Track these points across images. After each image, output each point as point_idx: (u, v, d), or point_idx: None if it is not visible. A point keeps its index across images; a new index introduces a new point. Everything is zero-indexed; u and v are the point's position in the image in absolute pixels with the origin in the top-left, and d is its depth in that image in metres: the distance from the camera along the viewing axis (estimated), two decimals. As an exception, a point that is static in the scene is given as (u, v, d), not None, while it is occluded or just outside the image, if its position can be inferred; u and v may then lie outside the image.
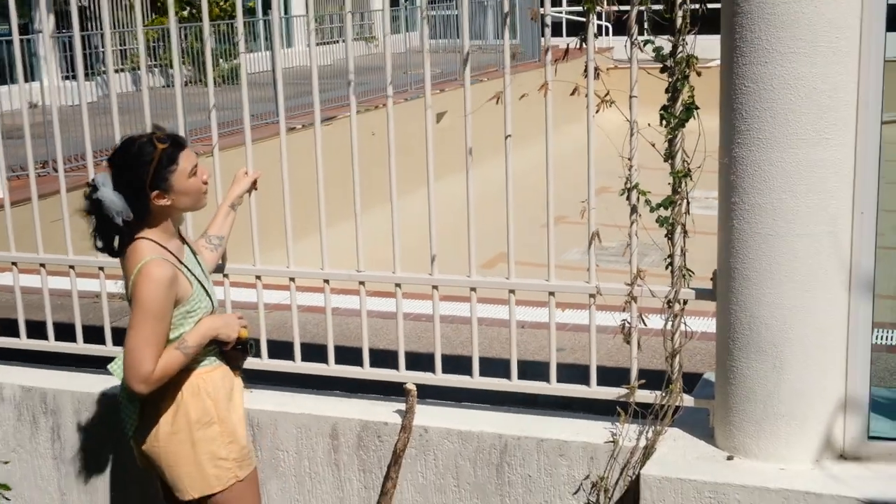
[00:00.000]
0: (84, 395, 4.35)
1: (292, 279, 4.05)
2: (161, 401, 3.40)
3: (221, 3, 16.23)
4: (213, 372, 3.47)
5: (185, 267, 3.41)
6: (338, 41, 14.56)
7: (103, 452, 4.40)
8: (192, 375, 3.42)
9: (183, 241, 3.54)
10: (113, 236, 3.40)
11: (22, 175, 4.49)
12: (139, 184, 3.30)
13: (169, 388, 3.39)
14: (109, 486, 4.38)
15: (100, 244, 3.42)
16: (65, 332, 4.43)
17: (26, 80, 7.23)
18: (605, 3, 3.49)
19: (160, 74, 12.94)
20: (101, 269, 4.27)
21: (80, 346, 4.38)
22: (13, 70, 4.43)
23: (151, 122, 3.57)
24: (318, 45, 4.31)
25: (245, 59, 4.25)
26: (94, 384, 4.39)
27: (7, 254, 4.49)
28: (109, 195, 3.32)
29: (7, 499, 3.58)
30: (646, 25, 3.55)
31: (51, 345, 4.38)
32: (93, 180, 3.38)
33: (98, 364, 4.32)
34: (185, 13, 14.37)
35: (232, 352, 3.48)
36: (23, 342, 4.49)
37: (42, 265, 4.41)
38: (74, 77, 8.91)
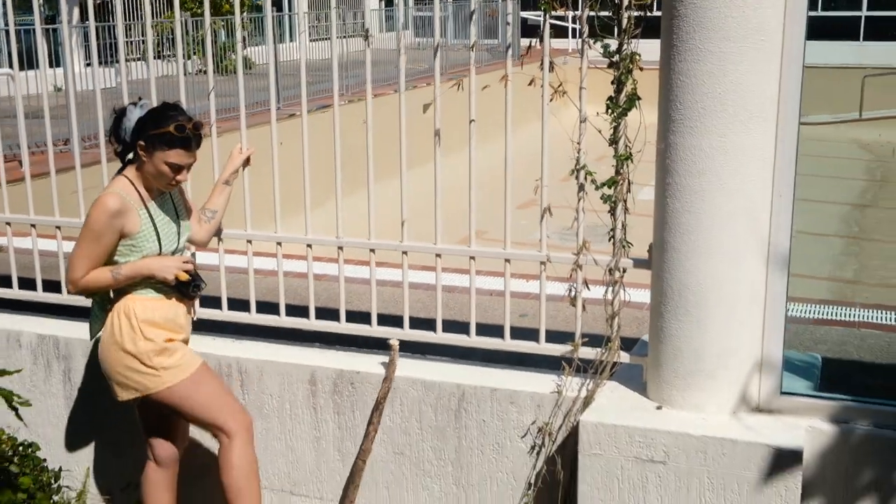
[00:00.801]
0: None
1: (279, 243, 4.16)
2: (111, 315, 3.68)
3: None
4: (149, 301, 3.69)
5: (147, 210, 3.62)
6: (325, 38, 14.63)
7: (109, 393, 4.47)
8: (128, 298, 3.68)
9: (166, 193, 3.74)
10: (117, 144, 3.70)
11: (45, 150, 4.60)
12: (143, 129, 3.58)
13: (115, 306, 3.67)
14: (116, 424, 4.43)
15: (110, 137, 3.75)
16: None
17: (52, 66, 7.36)
18: (559, 5, 3.60)
19: (173, 63, 13.02)
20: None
21: (89, 299, 4.47)
22: (38, 56, 4.54)
23: (204, 118, 3.85)
24: (316, 41, 4.40)
25: (241, 51, 4.36)
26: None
27: (27, 217, 4.60)
28: (134, 115, 3.65)
29: (17, 409, 3.67)
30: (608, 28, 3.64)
31: (63, 298, 4.45)
32: (140, 98, 3.73)
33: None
34: (199, 10, 14.39)
35: (176, 287, 3.68)
36: (39, 295, 4.58)
37: (58, 227, 4.51)
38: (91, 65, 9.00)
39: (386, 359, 3.99)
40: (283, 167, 4.16)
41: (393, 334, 4.02)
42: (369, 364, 4.03)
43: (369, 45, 4.05)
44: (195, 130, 3.61)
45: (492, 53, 10.86)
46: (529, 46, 3.74)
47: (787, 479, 3.36)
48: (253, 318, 4.23)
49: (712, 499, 3.44)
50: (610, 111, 3.59)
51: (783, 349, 3.56)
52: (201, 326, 4.14)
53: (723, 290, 3.46)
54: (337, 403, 4.03)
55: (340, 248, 4.06)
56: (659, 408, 3.62)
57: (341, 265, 4.06)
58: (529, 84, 3.70)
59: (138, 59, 11.72)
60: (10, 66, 4.44)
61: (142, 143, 3.57)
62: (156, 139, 3.55)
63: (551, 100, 3.70)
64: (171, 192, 3.77)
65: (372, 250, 4.03)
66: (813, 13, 15.84)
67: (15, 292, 4.65)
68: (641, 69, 3.58)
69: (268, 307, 4.27)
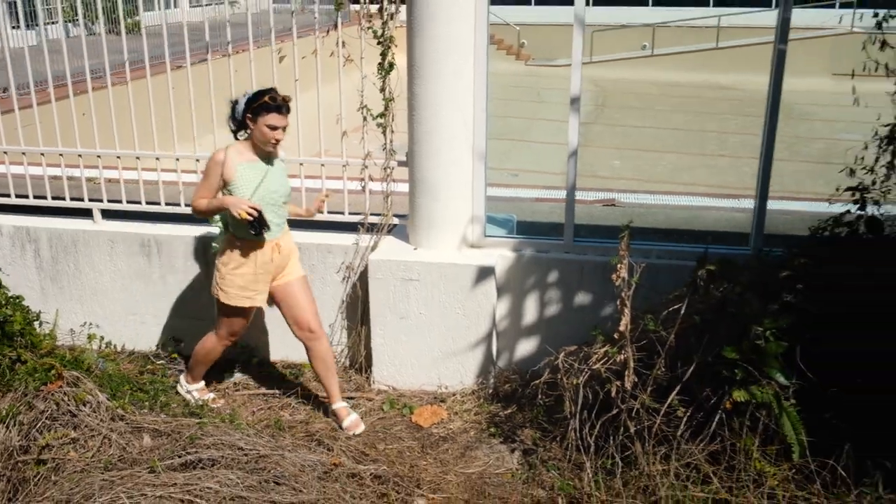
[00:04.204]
0: (53, 230, 4.82)
1: (178, 158, 4.75)
2: (223, 242, 4.00)
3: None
4: (241, 241, 3.85)
5: (244, 166, 3.79)
6: (210, 4, 14.58)
7: (66, 261, 4.84)
8: (230, 237, 3.87)
9: (267, 162, 3.85)
10: (233, 126, 3.88)
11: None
12: (248, 106, 3.79)
13: (226, 237, 3.93)
14: (70, 283, 4.88)
15: (229, 120, 3.88)
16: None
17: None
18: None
19: (84, 27, 12.80)
20: (99, 156, 4.92)
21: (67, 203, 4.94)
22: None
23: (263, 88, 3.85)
24: (195, 7, 4.83)
25: (143, 18, 4.75)
26: (60, 224, 4.86)
27: (36, 148, 4.90)
28: (242, 101, 3.82)
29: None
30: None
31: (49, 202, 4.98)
32: (245, 92, 3.85)
33: (70, 214, 4.90)
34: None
35: (248, 225, 3.75)
36: (31, 201, 5.00)
37: (61, 154, 4.91)
38: (18, 27, 8.94)
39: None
40: (178, 108, 4.62)
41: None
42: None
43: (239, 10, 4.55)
44: (283, 101, 3.77)
45: (330, 17, 11.20)
46: (328, 31, 4.39)
47: (487, 284, 4.24)
48: (162, 208, 4.82)
49: (446, 298, 4.30)
50: (379, 72, 4.38)
51: (486, 211, 4.41)
52: (117, 215, 4.70)
53: (447, 178, 4.25)
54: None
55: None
56: (415, 249, 4.41)
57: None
58: (331, 55, 4.41)
59: (53, 23, 11.48)
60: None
61: (249, 115, 3.75)
62: (258, 108, 3.73)
63: (344, 65, 4.40)
64: (272, 160, 3.86)
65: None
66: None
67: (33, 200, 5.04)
68: (396, 45, 4.31)
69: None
